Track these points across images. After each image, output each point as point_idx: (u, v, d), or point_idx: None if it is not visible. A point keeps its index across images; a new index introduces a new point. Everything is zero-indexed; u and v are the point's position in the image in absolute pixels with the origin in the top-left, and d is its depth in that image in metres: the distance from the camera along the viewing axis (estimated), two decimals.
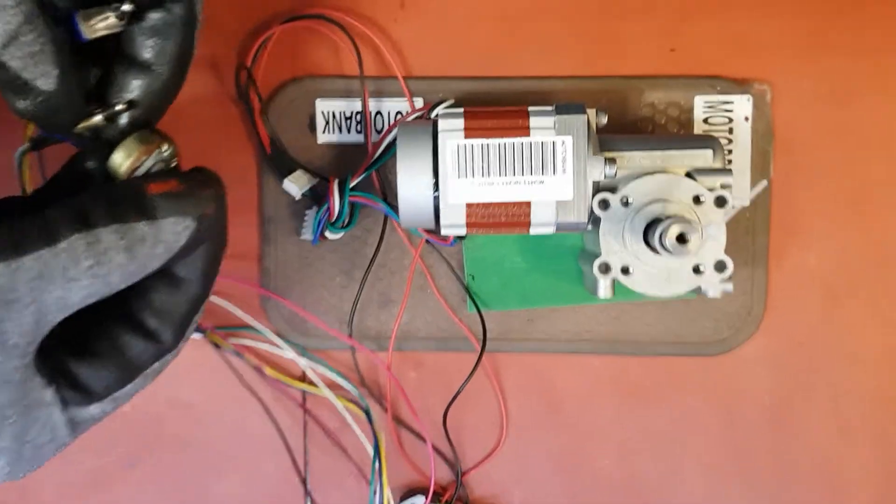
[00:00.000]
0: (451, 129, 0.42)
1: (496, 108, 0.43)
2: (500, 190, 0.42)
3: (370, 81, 0.49)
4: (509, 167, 0.42)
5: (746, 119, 0.48)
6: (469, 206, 0.43)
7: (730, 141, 0.48)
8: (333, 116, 0.49)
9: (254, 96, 0.48)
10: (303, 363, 0.49)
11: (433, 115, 0.46)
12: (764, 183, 0.40)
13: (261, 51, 0.49)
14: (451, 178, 0.42)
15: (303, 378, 0.50)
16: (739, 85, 0.48)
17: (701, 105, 0.48)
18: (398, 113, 0.49)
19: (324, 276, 0.50)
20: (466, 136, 0.42)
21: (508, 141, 0.42)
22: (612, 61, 0.49)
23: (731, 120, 0.48)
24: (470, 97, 0.49)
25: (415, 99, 0.49)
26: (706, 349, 0.50)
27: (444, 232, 0.44)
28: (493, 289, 0.50)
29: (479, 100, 0.49)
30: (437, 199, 0.43)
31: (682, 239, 0.39)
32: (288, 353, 0.49)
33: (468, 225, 0.43)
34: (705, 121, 0.48)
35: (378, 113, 0.49)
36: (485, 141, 0.42)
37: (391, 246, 0.50)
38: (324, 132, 0.49)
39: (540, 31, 0.49)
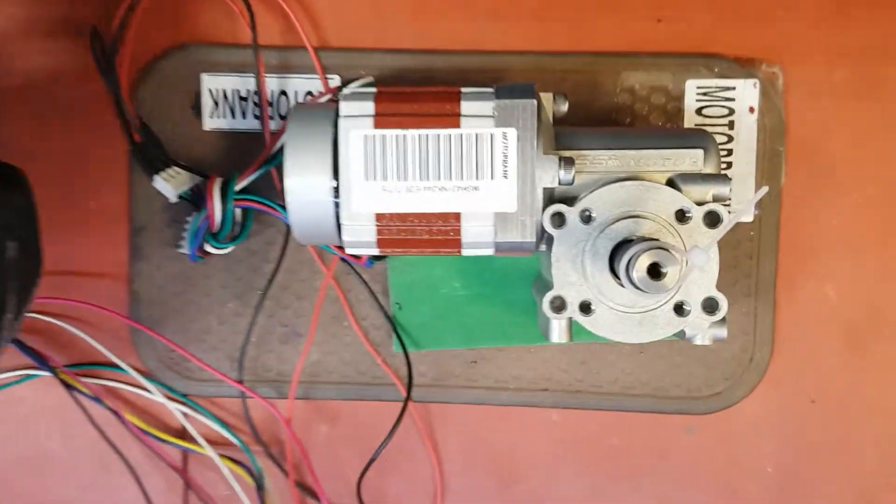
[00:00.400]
0: (357, 114, 0.32)
1: (418, 89, 0.33)
2: (420, 197, 0.32)
3: (272, 53, 0.39)
4: (433, 168, 0.31)
5: (752, 110, 0.38)
6: (380, 217, 0.32)
7: (730, 139, 0.38)
8: (224, 97, 0.39)
9: (120, 69, 0.37)
10: (179, 414, 0.39)
11: (339, 97, 0.35)
12: (765, 189, 0.29)
13: (131, 12, 0.38)
14: (355, 180, 0.32)
15: (182, 433, 0.40)
16: (743, 66, 0.38)
17: (694, 91, 0.38)
18: (308, 93, 0.39)
19: (211, 301, 0.40)
20: (377, 126, 0.32)
21: (432, 133, 0.31)
22: (580, 33, 0.38)
23: (731, 111, 0.38)
24: (397, 75, 0.38)
25: (329, 77, 0.38)
26: (696, 406, 0.39)
27: (349, 251, 0.34)
28: (425, 321, 0.39)
29: (408, 79, 0.38)
30: (338, 206, 0.32)
31: (655, 271, 0.29)
32: (158, 398, 0.39)
33: (380, 243, 0.33)
34: (699, 112, 0.38)
35: (283, 93, 0.39)
36: (401, 132, 0.31)
37: (298, 264, 0.39)
38: (211, 116, 0.39)
39: None
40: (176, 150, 0.39)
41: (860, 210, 0.39)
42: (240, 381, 0.39)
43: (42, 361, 0.39)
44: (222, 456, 0.39)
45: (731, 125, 0.38)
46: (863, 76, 0.38)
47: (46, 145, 0.40)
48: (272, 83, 0.39)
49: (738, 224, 0.38)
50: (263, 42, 0.38)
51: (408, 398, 0.39)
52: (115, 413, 0.39)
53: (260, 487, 0.38)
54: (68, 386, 0.39)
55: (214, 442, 0.39)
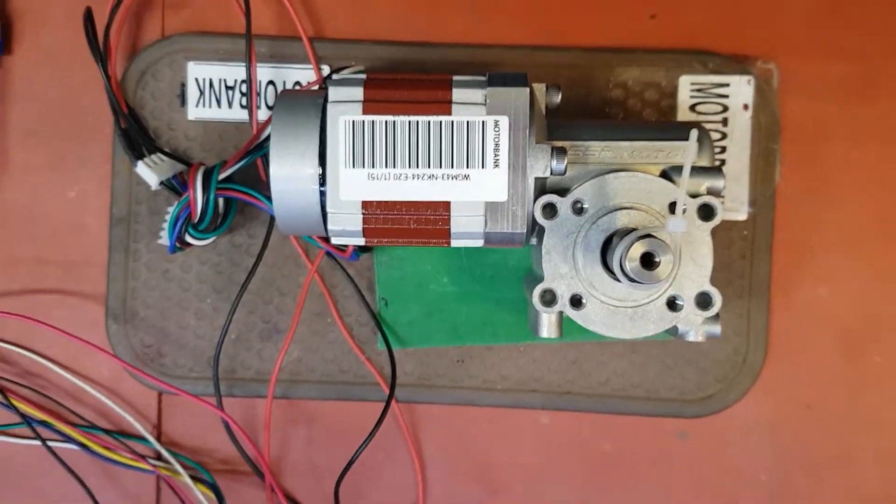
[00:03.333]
0: (345, 99, 0.31)
1: (408, 75, 0.32)
2: (409, 186, 0.31)
3: (262, 42, 0.38)
4: (422, 155, 0.31)
5: (746, 108, 0.37)
6: (367, 205, 0.31)
7: (724, 135, 0.37)
8: (210, 85, 0.38)
9: (110, 54, 0.37)
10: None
11: (328, 83, 0.34)
12: (695, 133, 0.28)
13: None
14: (342, 166, 0.31)
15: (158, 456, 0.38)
16: (738, 63, 0.37)
17: (687, 87, 0.37)
18: (296, 83, 0.38)
19: (191, 294, 0.38)
20: (365, 111, 0.31)
21: (423, 119, 0.31)
22: (573, 28, 0.38)
23: (725, 108, 0.37)
24: (389, 66, 0.38)
25: (322, 67, 0.38)
26: (688, 409, 0.38)
27: (334, 240, 0.33)
28: (412, 318, 0.38)
29: (401, 71, 0.38)
30: (323, 195, 0.31)
31: (648, 261, 0.28)
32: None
33: (366, 233, 0.32)
34: (693, 108, 0.37)
35: (271, 83, 0.38)
36: (390, 118, 0.31)
37: (282, 258, 0.38)
38: (197, 105, 0.38)
39: None
40: (161, 138, 0.38)
41: (857, 210, 0.38)
42: (215, 377, 0.37)
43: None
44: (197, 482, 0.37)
45: (724, 122, 0.37)
46: (860, 74, 0.38)
47: (31, 126, 0.39)
48: (260, 73, 0.38)
49: (730, 223, 0.37)
50: (255, 31, 0.37)
51: (391, 398, 0.38)
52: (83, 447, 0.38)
53: (219, 496, 0.37)
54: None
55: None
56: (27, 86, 0.39)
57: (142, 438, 0.38)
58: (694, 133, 0.29)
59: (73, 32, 0.38)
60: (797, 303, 0.38)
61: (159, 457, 0.38)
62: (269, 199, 0.36)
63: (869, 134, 0.38)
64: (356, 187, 0.31)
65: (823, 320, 0.38)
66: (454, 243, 0.32)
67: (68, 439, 0.38)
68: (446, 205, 0.31)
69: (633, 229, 0.29)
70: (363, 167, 0.31)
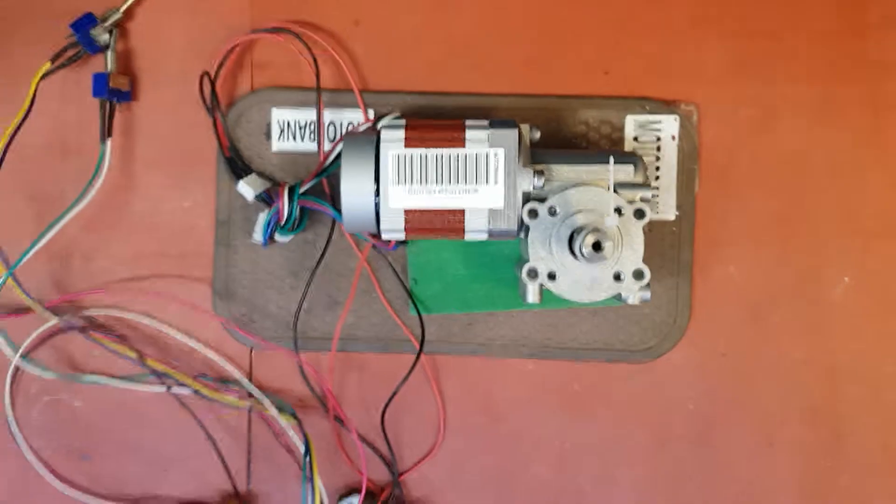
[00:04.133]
0: (393, 139, 0.45)
1: (435, 121, 0.46)
2: (436, 197, 0.45)
3: (326, 93, 0.52)
4: (445, 176, 0.45)
5: (674, 138, 0.51)
6: (408, 211, 0.45)
7: (658, 158, 0.51)
8: (288, 125, 0.52)
9: (215, 104, 0.51)
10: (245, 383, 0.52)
11: (379, 126, 0.48)
12: (612, 159, 0.42)
13: (225, 60, 0.51)
14: (391, 184, 0.45)
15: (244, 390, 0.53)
16: (667, 105, 0.51)
17: (632, 124, 0.51)
18: (349, 123, 0.52)
19: (273, 277, 0.53)
20: (406, 146, 0.45)
21: (445, 151, 0.45)
22: (549, 81, 0.52)
23: (659, 139, 0.51)
24: (417, 110, 0.52)
25: (368, 110, 0.52)
26: (634, 356, 0.52)
27: (384, 236, 0.47)
28: (435, 293, 0.52)
29: (425, 113, 0.52)
30: (377, 204, 0.45)
31: (597, 246, 0.42)
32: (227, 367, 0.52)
33: (407, 230, 0.46)
34: (636, 139, 0.51)
35: (331, 123, 0.52)
36: (423, 151, 0.45)
37: (338, 250, 0.52)
38: (279, 140, 0.52)
39: (483, 52, 0.52)
40: (253, 164, 0.52)
41: (757, 211, 0.51)
42: (294, 336, 0.51)
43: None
44: (281, 412, 0.51)
45: (658, 149, 0.51)
46: (760, 113, 0.51)
47: (152, 159, 0.53)
48: (324, 115, 0.52)
49: (663, 222, 0.52)
50: (313, 85, 0.51)
51: (420, 351, 0.52)
52: (196, 391, 0.52)
53: (297, 419, 0.51)
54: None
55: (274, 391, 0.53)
56: (150, 125, 0.53)
57: (239, 383, 0.52)
58: (611, 159, 0.43)
59: (184, 85, 0.52)
60: (713, 279, 0.52)
61: (251, 396, 0.52)
62: (333, 207, 0.50)
63: (766, 156, 0.51)
64: (400, 198, 0.45)
65: (733, 291, 0.52)
66: (467, 237, 0.46)
67: (184, 385, 0.52)
68: (462, 210, 0.45)
69: (587, 226, 0.43)
70: (405, 184, 0.45)
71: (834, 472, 0.52)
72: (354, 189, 0.45)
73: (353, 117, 0.52)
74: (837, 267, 0.51)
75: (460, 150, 0.45)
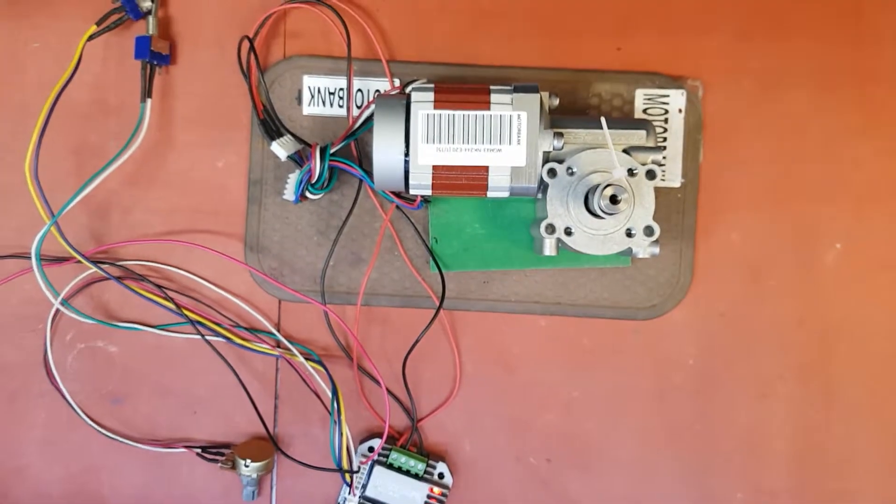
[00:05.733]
0: (423, 100, 0.48)
1: (462, 85, 0.50)
2: (462, 155, 0.48)
3: (355, 62, 0.55)
4: (471, 136, 0.48)
5: (680, 111, 0.55)
6: (435, 168, 0.48)
7: (665, 129, 0.55)
8: (318, 91, 0.55)
9: (253, 66, 0.54)
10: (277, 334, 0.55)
11: (408, 90, 0.52)
12: (604, 120, 0.45)
13: (261, 28, 0.54)
14: (420, 143, 0.48)
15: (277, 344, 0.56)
16: (675, 80, 0.55)
17: (641, 97, 0.55)
18: (376, 91, 0.55)
19: (301, 234, 0.56)
20: (436, 107, 0.48)
21: (471, 113, 0.48)
22: (565, 56, 0.55)
23: (667, 111, 0.55)
24: (439, 80, 0.55)
25: (395, 80, 0.55)
26: (639, 314, 0.56)
27: (412, 191, 0.50)
28: (454, 251, 0.56)
29: (447, 82, 0.55)
30: (407, 162, 0.49)
31: (614, 199, 0.46)
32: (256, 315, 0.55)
33: (433, 186, 0.49)
34: (644, 111, 0.55)
35: (359, 90, 0.55)
36: (451, 112, 0.48)
37: (364, 210, 0.56)
38: (308, 105, 0.55)
39: (505, 25, 0.55)
40: (284, 127, 0.55)
41: (757, 180, 0.55)
42: (322, 290, 0.55)
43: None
44: (308, 359, 0.54)
45: (666, 121, 0.55)
46: (760, 87, 0.55)
47: (189, 120, 0.56)
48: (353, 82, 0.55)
49: (669, 189, 0.55)
50: (343, 54, 0.55)
51: (440, 306, 0.55)
52: (228, 339, 0.55)
53: (324, 367, 0.54)
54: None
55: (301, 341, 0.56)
56: (187, 87, 0.56)
57: (268, 332, 0.55)
58: (603, 120, 0.47)
59: (220, 50, 0.55)
60: (715, 243, 0.56)
61: (279, 345, 0.55)
62: (361, 167, 0.54)
63: (767, 127, 0.55)
64: (429, 156, 0.48)
65: (734, 255, 0.56)
66: (489, 194, 0.50)
67: (217, 334, 0.55)
68: (486, 168, 0.48)
69: (603, 182, 0.47)
70: (434, 143, 0.48)
71: (825, 423, 0.56)
72: (386, 147, 0.49)
73: (380, 86, 0.55)
74: (830, 233, 0.55)
75: (486, 112, 0.48)
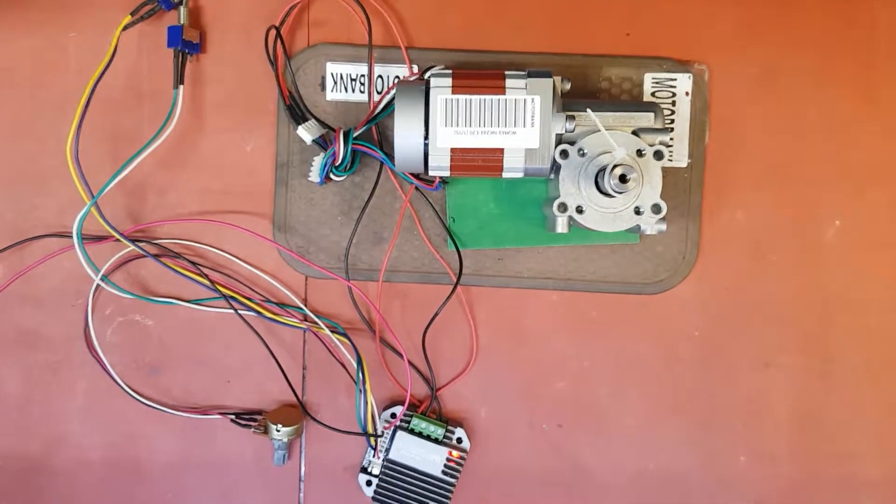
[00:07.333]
0: (442, 85, 0.51)
1: (479, 70, 0.52)
2: (479, 138, 0.51)
3: (376, 49, 0.58)
4: (487, 119, 0.51)
5: (687, 94, 0.57)
6: (453, 150, 0.51)
7: (672, 112, 0.57)
8: (341, 77, 0.58)
9: (279, 54, 0.57)
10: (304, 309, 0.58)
11: (427, 76, 0.54)
12: (590, 110, 0.48)
13: (286, 18, 0.57)
14: (439, 126, 0.51)
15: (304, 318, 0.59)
16: (682, 65, 0.57)
17: (650, 81, 0.57)
18: (396, 77, 0.58)
19: (326, 215, 0.59)
20: (454, 92, 0.51)
21: (488, 97, 0.51)
22: (577, 42, 0.58)
23: (674, 94, 0.57)
24: (456, 66, 0.57)
25: (414, 66, 0.58)
26: (647, 288, 0.59)
27: (431, 173, 0.53)
28: (470, 230, 0.59)
29: (463, 68, 0.57)
30: (426, 145, 0.51)
31: (623, 178, 0.49)
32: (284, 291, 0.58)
33: (452, 167, 0.52)
34: (653, 95, 0.57)
35: (379, 76, 0.58)
36: (468, 97, 0.51)
37: (385, 191, 0.58)
38: (332, 91, 0.58)
39: (518, 13, 0.58)
40: (309, 111, 0.58)
41: (761, 160, 0.58)
42: (346, 267, 0.58)
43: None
44: (333, 332, 0.58)
45: (673, 104, 0.58)
46: (765, 72, 0.57)
47: (218, 107, 0.59)
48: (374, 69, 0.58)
49: (676, 169, 0.58)
50: (364, 41, 0.57)
51: (458, 282, 0.58)
52: (259, 313, 0.58)
53: (349, 339, 0.57)
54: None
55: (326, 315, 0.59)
56: (217, 74, 0.58)
57: (296, 307, 0.59)
58: (588, 110, 0.50)
59: (247, 38, 0.58)
60: (720, 221, 0.59)
61: (306, 319, 0.59)
62: (382, 150, 0.57)
63: (770, 110, 0.57)
64: (447, 139, 0.51)
65: (738, 233, 0.58)
66: (504, 175, 0.52)
67: (248, 308, 0.58)
68: (501, 150, 0.51)
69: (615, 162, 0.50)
70: (452, 126, 0.51)
71: (824, 391, 0.58)
72: (406, 131, 0.51)
73: (399, 72, 0.58)
74: (830, 211, 0.58)
75: (501, 97, 0.51)
